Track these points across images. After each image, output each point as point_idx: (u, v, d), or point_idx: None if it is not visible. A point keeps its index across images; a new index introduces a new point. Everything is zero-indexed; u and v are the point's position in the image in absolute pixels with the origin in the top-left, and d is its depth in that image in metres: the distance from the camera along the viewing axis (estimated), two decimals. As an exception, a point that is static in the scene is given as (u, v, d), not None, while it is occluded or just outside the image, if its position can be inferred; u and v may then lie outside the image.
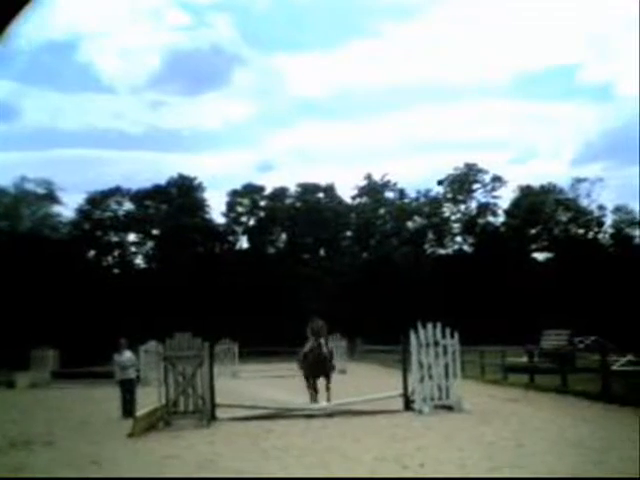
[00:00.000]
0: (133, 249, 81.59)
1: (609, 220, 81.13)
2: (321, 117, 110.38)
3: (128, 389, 19.36)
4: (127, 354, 20.08)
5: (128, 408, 18.67)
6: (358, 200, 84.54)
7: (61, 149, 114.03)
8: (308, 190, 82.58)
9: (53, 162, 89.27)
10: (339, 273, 73.13)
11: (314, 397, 20.23)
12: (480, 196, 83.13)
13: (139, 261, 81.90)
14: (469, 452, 11.79)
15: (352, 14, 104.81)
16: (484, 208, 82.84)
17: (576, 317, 46.35)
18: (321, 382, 20.19)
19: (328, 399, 19.61)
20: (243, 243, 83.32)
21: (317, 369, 19.97)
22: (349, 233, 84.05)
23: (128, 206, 79.95)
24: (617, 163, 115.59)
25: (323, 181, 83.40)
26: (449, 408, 17.82)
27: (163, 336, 18.56)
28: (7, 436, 15.97)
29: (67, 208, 76.39)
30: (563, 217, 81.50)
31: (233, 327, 49.64)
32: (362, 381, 29.80)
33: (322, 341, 19.90)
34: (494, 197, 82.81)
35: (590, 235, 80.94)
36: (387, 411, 17.70)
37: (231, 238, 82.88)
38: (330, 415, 17.70)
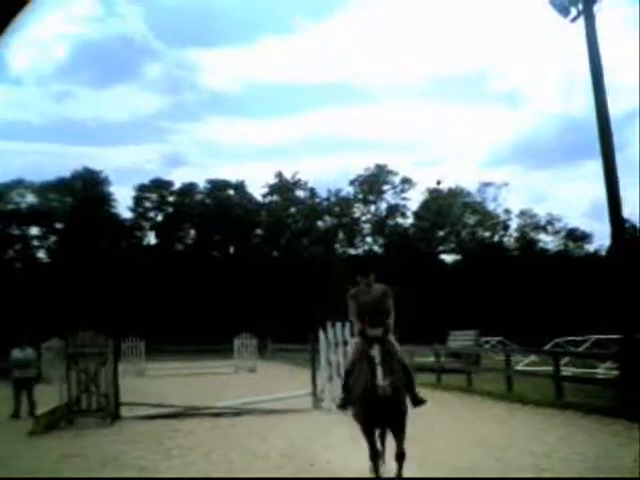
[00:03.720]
0: (36, 243, 79.25)
1: (514, 224, 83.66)
2: (232, 113, 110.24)
3: (25, 389, 18.56)
4: (27, 350, 19.31)
5: (21, 409, 18.11)
6: (269, 198, 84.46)
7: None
8: (218, 186, 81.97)
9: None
10: (249, 271, 72.80)
11: (376, 463, 9.38)
12: (390, 197, 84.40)
13: (42, 255, 79.64)
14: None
15: (267, 10, 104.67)
16: (394, 209, 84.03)
17: (482, 318, 47.57)
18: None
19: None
20: (151, 239, 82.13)
21: (380, 409, 9.02)
22: (259, 231, 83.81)
23: (31, 199, 77.58)
24: (523, 168, 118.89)
25: (233, 178, 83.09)
26: (357, 406, 17.85)
27: (66, 333, 18.01)
28: None
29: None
30: (470, 220, 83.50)
31: (140, 324, 48.82)
32: (272, 380, 29.71)
33: (390, 338, 9.33)
34: (403, 199, 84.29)
35: (496, 238, 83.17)
36: (296, 410, 17.65)
37: (138, 233, 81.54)
38: (238, 414, 17.51)
